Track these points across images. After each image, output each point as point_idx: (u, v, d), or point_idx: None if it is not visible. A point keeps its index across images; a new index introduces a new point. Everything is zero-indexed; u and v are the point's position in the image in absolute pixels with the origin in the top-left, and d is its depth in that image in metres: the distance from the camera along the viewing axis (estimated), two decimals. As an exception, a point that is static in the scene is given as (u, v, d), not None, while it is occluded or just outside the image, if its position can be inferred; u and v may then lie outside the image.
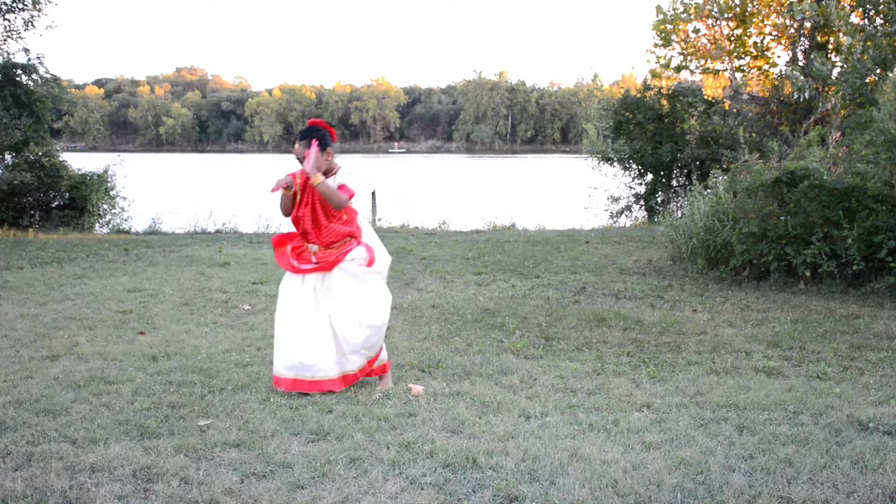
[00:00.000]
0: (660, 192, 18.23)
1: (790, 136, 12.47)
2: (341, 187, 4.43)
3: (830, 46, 15.06)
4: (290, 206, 4.50)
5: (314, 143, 4.36)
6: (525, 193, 31.02)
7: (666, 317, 6.61)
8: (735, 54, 17.72)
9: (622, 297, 7.66)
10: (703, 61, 18.27)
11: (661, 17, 18.39)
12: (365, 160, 78.04)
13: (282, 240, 4.61)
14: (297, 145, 4.46)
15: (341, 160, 4.56)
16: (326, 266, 4.38)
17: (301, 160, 4.40)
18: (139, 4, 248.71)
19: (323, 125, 4.53)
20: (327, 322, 4.37)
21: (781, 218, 8.23)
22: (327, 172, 4.45)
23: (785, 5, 16.01)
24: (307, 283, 4.41)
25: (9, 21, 16.43)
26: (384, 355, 4.59)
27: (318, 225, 4.44)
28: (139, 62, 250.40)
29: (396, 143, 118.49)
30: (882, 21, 12.54)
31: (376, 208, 17.73)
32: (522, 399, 4.36)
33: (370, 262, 4.47)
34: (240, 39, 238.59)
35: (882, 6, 12.29)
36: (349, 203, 4.43)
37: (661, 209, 17.29)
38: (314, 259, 4.42)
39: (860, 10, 13.16)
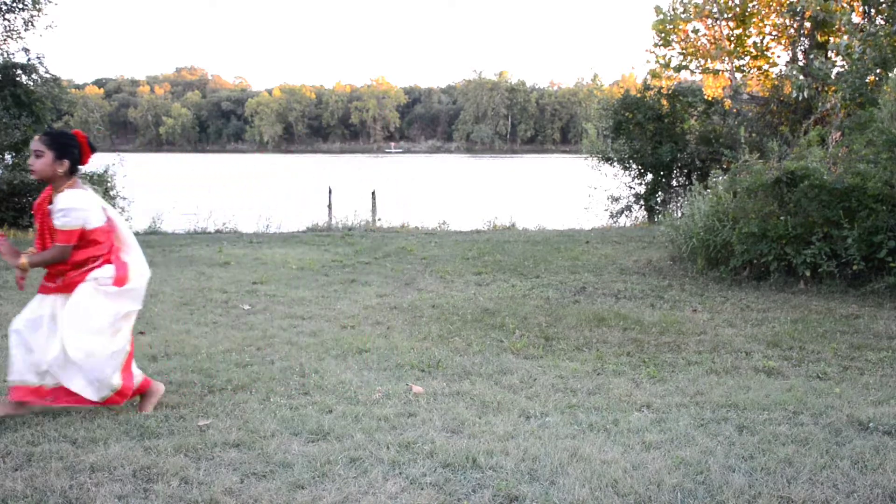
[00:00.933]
0: (660, 192, 18.24)
1: (790, 136, 12.48)
2: (58, 235, 3.88)
3: (831, 45, 15.07)
4: None
5: (2, 237, 3.91)
6: (525, 193, 31.01)
7: (666, 317, 6.61)
8: (735, 54, 17.74)
9: (622, 297, 7.66)
10: (703, 61, 18.30)
11: (660, 17, 18.42)
12: (364, 160, 78.04)
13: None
14: (35, 138, 3.97)
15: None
16: (67, 288, 3.93)
17: (32, 153, 3.94)
18: (139, 4, 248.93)
19: (79, 136, 4.04)
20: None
21: (781, 218, 8.23)
22: (52, 182, 3.95)
23: (785, 5, 16.02)
24: (45, 303, 3.97)
25: (9, 21, 16.43)
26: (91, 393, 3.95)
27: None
28: (139, 62, 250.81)
29: (393, 143, 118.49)
30: (883, 21, 12.54)
31: (376, 208, 17.75)
32: (522, 399, 4.36)
33: (119, 281, 4.01)
34: (240, 39, 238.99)
35: (883, 6, 12.29)
36: (71, 248, 3.90)
37: (661, 209, 17.30)
38: (58, 280, 3.95)
39: (861, 9, 13.17)
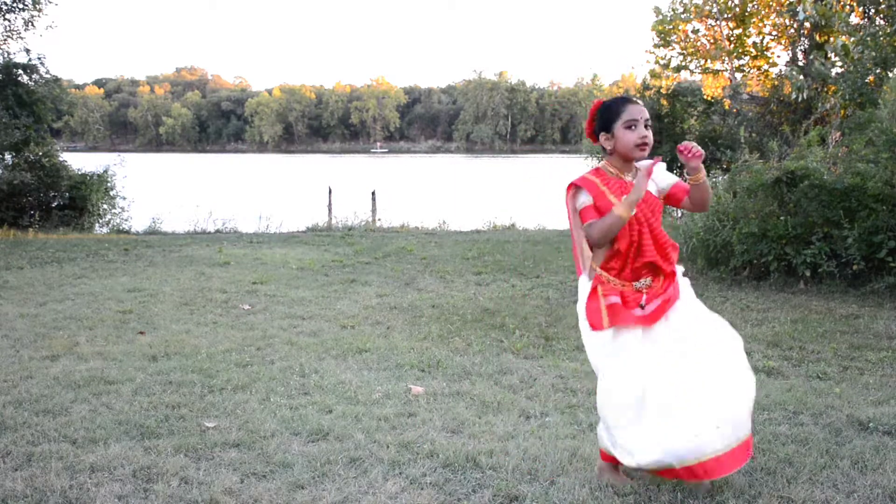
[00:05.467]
0: (660, 192, 18.21)
1: (790, 136, 12.47)
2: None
3: (830, 46, 15.08)
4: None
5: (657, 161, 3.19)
6: (525, 193, 31.00)
7: (666, 317, 6.60)
8: (735, 54, 17.74)
9: (622, 297, 7.65)
10: (702, 61, 18.30)
11: (659, 18, 18.43)
12: (360, 160, 78.06)
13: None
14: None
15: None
16: (671, 299, 3.03)
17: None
18: (139, 4, 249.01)
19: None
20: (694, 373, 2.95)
21: (781, 218, 8.22)
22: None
23: (784, 5, 16.02)
24: (654, 334, 3.00)
25: (9, 21, 16.45)
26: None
27: (657, 241, 3.10)
28: (139, 62, 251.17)
29: (378, 143, 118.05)
30: (882, 21, 12.54)
31: (376, 208, 17.76)
32: (522, 399, 4.36)
33: None
34: (240, 39, 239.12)
35: (882, 6, 12.29)
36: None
37: (660, 209, 17.27)
38: (643, 302, 3.03)
39: (860, 9, 13.17)
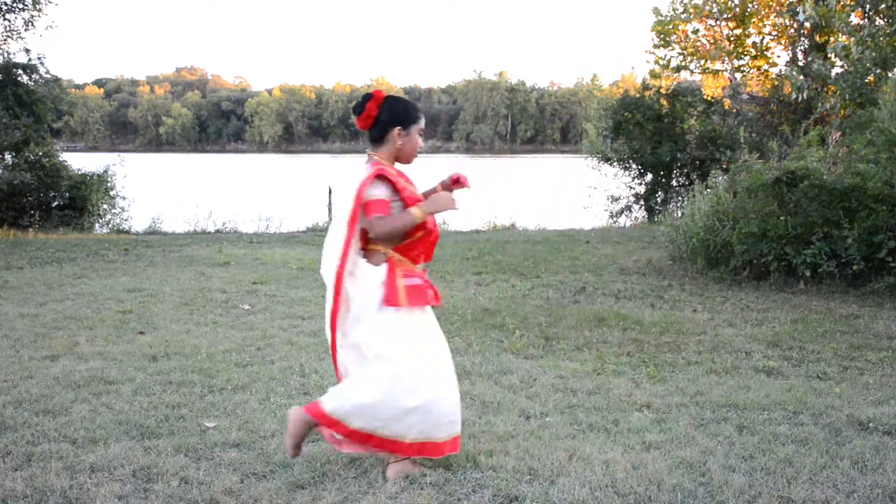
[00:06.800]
0: (660, 192, 18.24)
1: (790, 136, 12.48)
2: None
3: (830, 46, 15.11)
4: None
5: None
6: (525, 193, 31.00)
7: (666, 317, 6.61)
8: (734, 54, 17.76)
9: (622, 297, 7.66)
10: (702, 61, 18.32)
11: (659, 18, 18.45)
12: (363, 160, 78.02)
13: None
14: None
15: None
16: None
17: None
18: (139, 4, 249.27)
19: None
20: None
21: (781, 218, 8.23)
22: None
23: (784, 5, 16.04)
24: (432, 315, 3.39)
25: (9, 21, 16.46)
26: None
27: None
28: (139, 62, 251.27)
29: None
30: (882, 21, 12.54)
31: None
32: (522, 399, 4.36)
33: None
34: (240, 39, 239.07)
35: (882, 6, 12.29)
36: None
37: (661, 209, 17.30)
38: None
39: (860, 9, 13.18)
